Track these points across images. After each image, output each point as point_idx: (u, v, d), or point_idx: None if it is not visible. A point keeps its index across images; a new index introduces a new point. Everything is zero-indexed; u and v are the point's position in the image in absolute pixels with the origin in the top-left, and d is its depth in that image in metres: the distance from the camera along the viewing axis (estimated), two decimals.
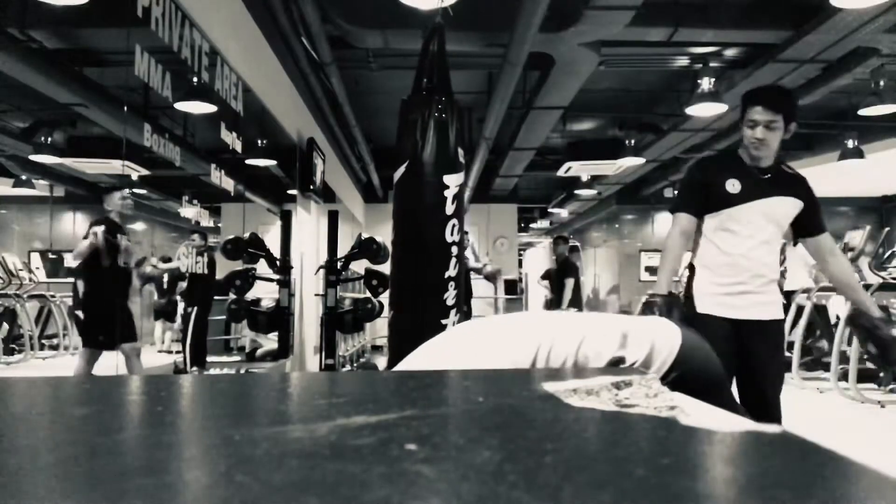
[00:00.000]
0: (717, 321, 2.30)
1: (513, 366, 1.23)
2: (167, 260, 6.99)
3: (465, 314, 5.65)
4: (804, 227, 2.41)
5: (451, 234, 3.24)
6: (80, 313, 4.13)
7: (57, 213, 11.09)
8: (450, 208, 3.23)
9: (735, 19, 5.08)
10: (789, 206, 2.38)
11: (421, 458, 0.39)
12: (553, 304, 7.94)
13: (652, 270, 12.22)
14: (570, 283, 7.64)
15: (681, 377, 1.24)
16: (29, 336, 7.77)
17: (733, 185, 2.38)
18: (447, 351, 1.36)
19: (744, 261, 2.32)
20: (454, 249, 3.26)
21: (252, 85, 3.95)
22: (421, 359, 1.38)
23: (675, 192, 2.58)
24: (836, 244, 2.44)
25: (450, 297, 3.23)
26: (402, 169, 3.34)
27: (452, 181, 3.25)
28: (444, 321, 3.21)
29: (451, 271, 3.24)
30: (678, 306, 2.31)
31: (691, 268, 2.46)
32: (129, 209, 3.87)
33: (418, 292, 3.30)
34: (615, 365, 1.24)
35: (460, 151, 3.33)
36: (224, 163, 4.19)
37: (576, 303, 7.79)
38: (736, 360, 2.27)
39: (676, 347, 1.29)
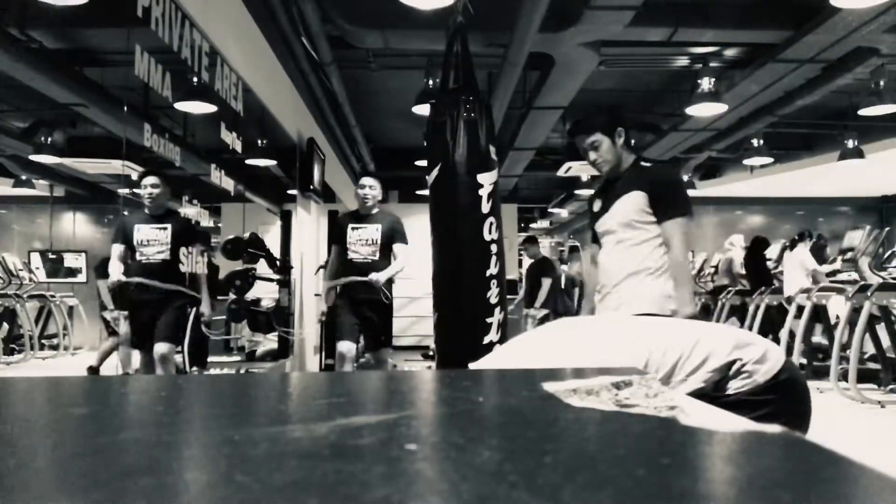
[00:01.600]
0: None
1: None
2: None
3: None
4: (657, 214, 2.44)
5: (490, 233, 3.23)
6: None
7: (57, 213, 11.09)
8: (485, 207, 3.21)
9: (735, 19, 5.08)
10: (633, 200, 2.45)
11: (421, 458, 0.39)
12: (526, 303, 8.09)
13: None
14: (546, 282, 7.80)
15: (791, 378, 1.34)
16: (29, 336, 7.77)
17: (597, 205, 2.61)
18: (545, 350, 1.36)
19: (605, 265, 2.53)
20: (493, 247, 3.24)
21: (252, 85, 3.95)
22: (514, 357, 1.38)
23: None
24: (679, 236, 2.44)
25: (493, 294, 3.22)
26: (435, 171, 3.33)
27: (486, 179, 3.23)
28: (488, 319, 3.19)
29: (493, 269, 3.23)
30: None
31: None
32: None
33: (461, 292, 3.27)
34: (729, 367, 1.30)
35: (492, 149, 3.31)
36: (224, 163, 4.19)
37: (552, 303, 7.86)
38: None
39: (783, 353, 1.38)
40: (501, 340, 3.20)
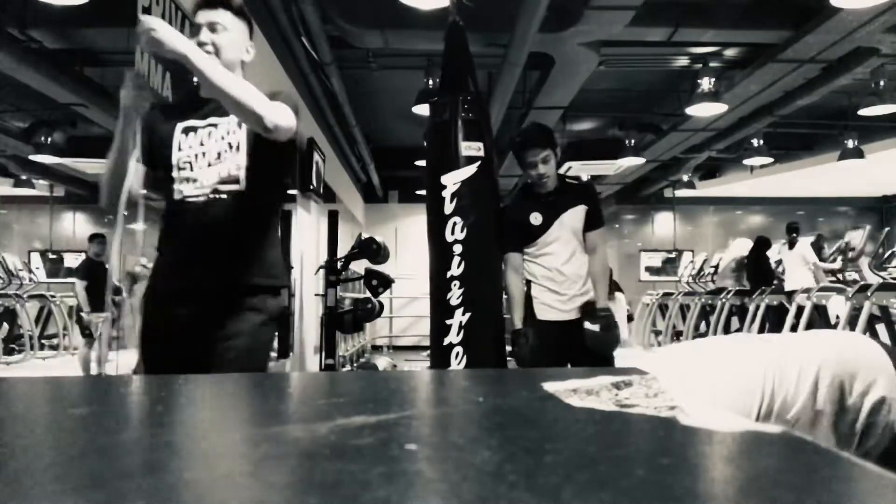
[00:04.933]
0: (551, 325, 2.79)
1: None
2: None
3: None
4: (587, 224, 2.84)
5: (452, 233, 3.26)
6: None
7: (57, 213, 11.09)
8: (448, 207, 3.26)
9: (735, 19, 5.08)
10: (579, 213, 2.82)
11: (421, 458, 0.39)
12: None
13: (652, 270, 12.23)
14: None
15: None
16: (29, 336, 7.77)
17: (536, 218, 2.83)
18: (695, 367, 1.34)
19: (565, 269, 2.79)
20: (457, 248, 3.26)
21: (252, 85, 3.95)
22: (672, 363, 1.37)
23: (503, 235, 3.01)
24: (603, 242, 2.94)
25: (454, 296, 3.24)
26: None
27: (450, 179, 3.27)
28: (448, 321, 3.21)
29: (455, 270, 3.25)
30: (532, 332, 2.84)
31: (528, 283, 2.90)
32: None
33: (431, 291, 3.38)
34: (857, 411, 1.26)
35: (465, 146, 3.32)
36: None
37: None
38: (569, 353, 2.80)
39: (879, 348, 1.33)
40: (464, 343, 3.22)
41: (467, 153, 3.31)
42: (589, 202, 2.86)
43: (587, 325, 2.75)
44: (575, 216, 2.82)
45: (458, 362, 3.19)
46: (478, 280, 3.28)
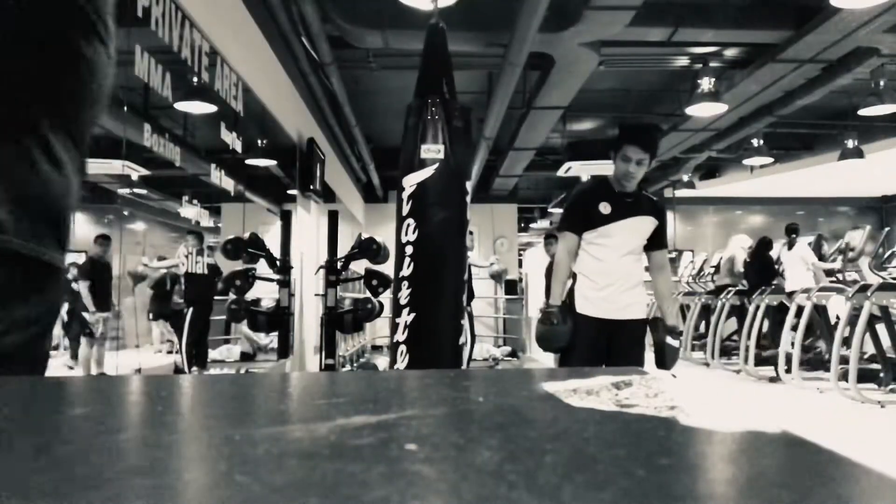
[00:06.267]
0: (590, 320, 2.83)
1: None
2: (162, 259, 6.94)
3: (468, 315, 5.67)
4: (653, 242, 2.93)
5: (406, 234, 3.31)
6: None
7: None
8: (405, 209, 3.32)
9: (735, 19, 5.08)
10: (647, 224, 2.89)
11: (421, 458, 0.39)
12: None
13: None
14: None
15: None
16: None
17: (605, 208, 2.86)
18: None
19: (614, 267, 2.83)
20: (408, 249, 3.34)
21: (252, 85, 3.95)
22: None
23: (561, 214, 3.06)
24: (668, 263, 3.10)
25: (403, 296, 3.34)
26: None
27: (408, 181, 3.34)
28: (397, 320, 3.31)
29: (405, 271, 3.33)
30: (567, 313, 2.86)
31: (573, 275, 2.94)
32: None
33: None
34: None
35: (424, 148, 3.35)
36: (224, 163, 4.19)
37: None
38: (604, 353, 2.85)
39: None
40: (407, 342, 3.26)
41: (426, 155, 3.34)
42: (660, 218, 2.94)
43: (669, 340, 2.89)
44: (641, 223, 2.88)
45: (402, 360, 3.25)
46: (426, 282, 3.32)
